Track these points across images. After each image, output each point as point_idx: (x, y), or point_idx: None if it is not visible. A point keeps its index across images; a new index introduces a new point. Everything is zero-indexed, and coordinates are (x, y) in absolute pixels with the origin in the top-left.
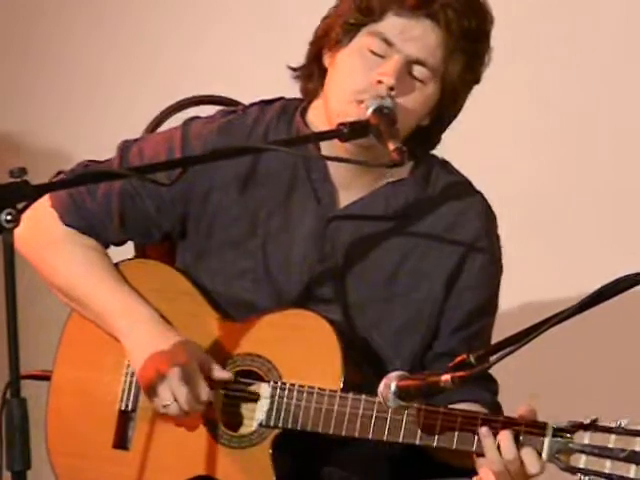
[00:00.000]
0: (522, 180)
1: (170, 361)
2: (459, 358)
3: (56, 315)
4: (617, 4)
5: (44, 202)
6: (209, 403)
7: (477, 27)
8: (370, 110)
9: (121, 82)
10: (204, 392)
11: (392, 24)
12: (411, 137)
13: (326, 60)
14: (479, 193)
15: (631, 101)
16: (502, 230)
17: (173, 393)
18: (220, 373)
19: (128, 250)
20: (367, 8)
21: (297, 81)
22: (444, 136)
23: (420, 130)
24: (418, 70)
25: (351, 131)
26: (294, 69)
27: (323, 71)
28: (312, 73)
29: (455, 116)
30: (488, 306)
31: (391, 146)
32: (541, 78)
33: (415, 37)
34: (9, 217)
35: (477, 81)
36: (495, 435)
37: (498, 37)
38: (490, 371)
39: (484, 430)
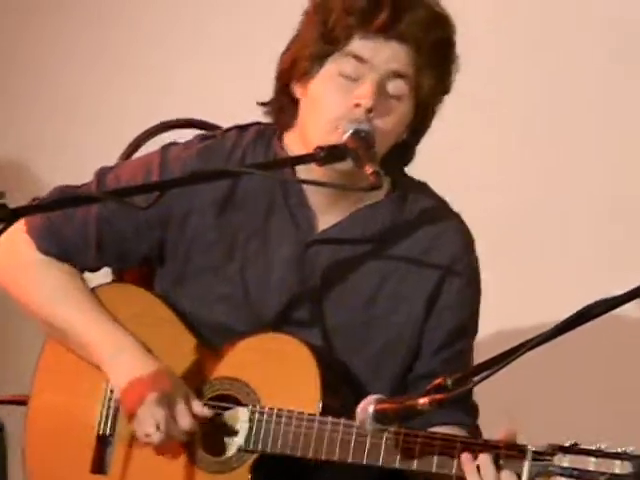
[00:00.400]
0: (499, 206)
1: (154, 390)
2: (436, 381)
3: (33, 339)
4: (601, 23)
5: (19, 228)
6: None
7: (444, 38)
8: (347, 134)
9: (99, 105)
10: (186, 422)
11: (361, 46)
12: (387, 154)
13: (297, 91)
14: (456, 215)
15: (613, 120)
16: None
17: (157, 423)
18: (200, 409)
19: (105, 274)
20: (331, 37)
21: (268, 116)
22: (424, 157)
23: (395, 146)
24: (394, 85)
25: (328, 155)
26: (264, 104)
27: (294, 102)
28: (283, 106)
29: (427, 129)
30: (468, 327)
31: (368, 169)
32: (520, 97)
33: (386, 58)
34: None
35: (447, 92)
36: (475, 458)
37: (484, 53)
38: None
39: (464, 454)
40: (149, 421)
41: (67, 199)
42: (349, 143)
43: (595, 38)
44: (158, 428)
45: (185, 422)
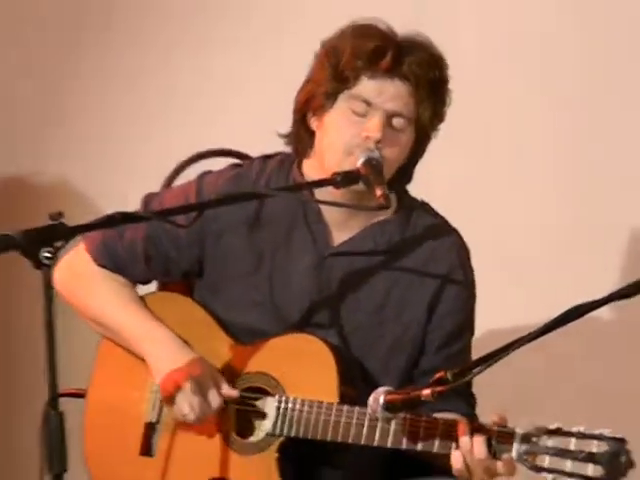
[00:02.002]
0: (495, 221)
1: (186, 375)
2: (438, 375)
3: (90, 340)
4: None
5: (79, 247)
6: (223, 413)
7: (440, 76)
8: (360, 161)
9: (148, 137)
10: (215, 401)
11: (368, 87)
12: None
13: (313, 124)
14: (455, 231)
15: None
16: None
17: (190, 403)
18: (228, 391)
19: (151, 285)
20: (342, 77)
21: (287, 145)
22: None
23: (398, 168)
24: (397, 121)
25: (344, 179)
26: (284, 136)
27: (310, 133)
28: (301, 136)
29: (424, 152)
30: (465, 328)
31: (378, 192)
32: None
33: (391, 96)
34: (48, 254)
35: (442, 120)
36: (471, 439)
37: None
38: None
39: (461, 433)
40: (184, 404)
41: (118, 216)
42: (362, 169)
43: (584, 57)
44: (192, 408)
45: (214, 401)
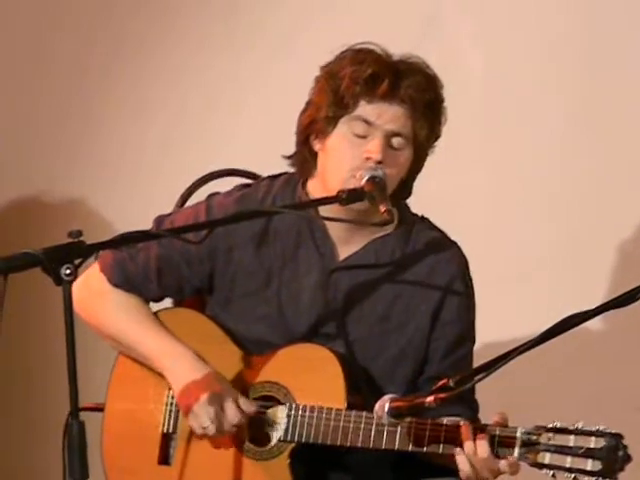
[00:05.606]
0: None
1: (205, 389)
2: (441, 382)
3: (106, 356)
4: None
5: (94, 268)
6: (240, 426)
7: (435, 97)
8: (364, 179)
9: (161, 158)
10: (236, 417)
11: (367, 110)
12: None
13: (316, 146)
14: (454, 244)
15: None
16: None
17: (210, 417)
18: (247, 406)
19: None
20: (342, 103)
21: (291, 166)
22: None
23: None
24: (396, 141)
25: (349, 196)
26: (288, 157)
27: (313, 154)
28: (304, 158)
29: (422, 168)
30: (466, 336)
31: (382, 208)
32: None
33: (389, 118)
34: (68, 271)
35: (438, 137)
36: (474, 440)
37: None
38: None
39: (465, 435)
40: (204, 416)
41: (132, 235)
42: (366, 187)
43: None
44: (212, 421)
45: (234, 416)
